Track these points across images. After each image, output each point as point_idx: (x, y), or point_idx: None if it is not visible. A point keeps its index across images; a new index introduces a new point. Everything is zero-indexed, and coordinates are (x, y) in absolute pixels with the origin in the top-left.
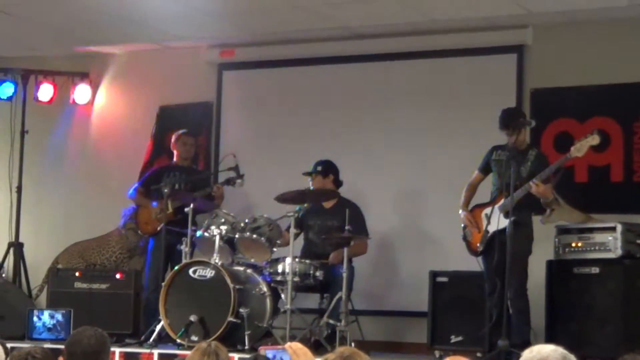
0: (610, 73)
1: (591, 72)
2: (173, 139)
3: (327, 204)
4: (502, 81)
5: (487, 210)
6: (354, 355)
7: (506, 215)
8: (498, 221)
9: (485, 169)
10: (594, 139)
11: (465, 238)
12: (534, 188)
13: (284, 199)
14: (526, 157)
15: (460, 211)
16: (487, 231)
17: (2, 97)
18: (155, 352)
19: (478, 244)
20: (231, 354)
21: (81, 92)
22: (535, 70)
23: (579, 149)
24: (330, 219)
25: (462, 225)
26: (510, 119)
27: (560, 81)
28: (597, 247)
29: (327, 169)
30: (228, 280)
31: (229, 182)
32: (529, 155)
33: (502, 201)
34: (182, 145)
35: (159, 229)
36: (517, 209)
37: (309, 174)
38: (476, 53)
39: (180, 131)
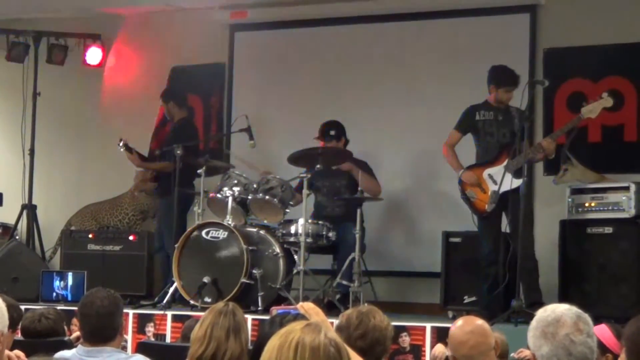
0: (623, 32)
1: (604, 32)
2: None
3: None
4: (515, 41)
5: (491, 170)
6: (372, 311)
7: (515, 175)
8: (510, 182)
9: (465, 130)
10: (607, 101)
11: (467, 198)
12: (545, 144)
13: (295, 159)
14: (511, 115)
15: (461, 171)
16: (495, 192)
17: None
18: (169, 313)
19: (486, 205)
20: (245, 315)
21: (93, 54)
22: (548, 30)
23: (592, 110)
24: (338, 180)
25: (459, 183)
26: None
27: (574, 41)
28: (610, 207)
29: (340, 133)
30: (241, 241)
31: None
32: (512, 112)
33: (506, 161)
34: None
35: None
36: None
37: (323, 139)
38: (489, 13)
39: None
